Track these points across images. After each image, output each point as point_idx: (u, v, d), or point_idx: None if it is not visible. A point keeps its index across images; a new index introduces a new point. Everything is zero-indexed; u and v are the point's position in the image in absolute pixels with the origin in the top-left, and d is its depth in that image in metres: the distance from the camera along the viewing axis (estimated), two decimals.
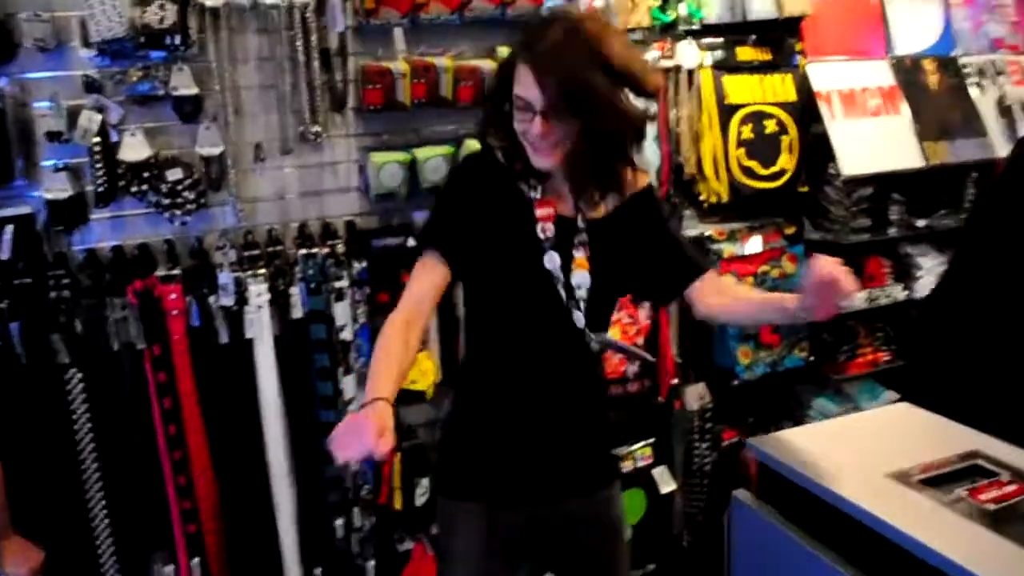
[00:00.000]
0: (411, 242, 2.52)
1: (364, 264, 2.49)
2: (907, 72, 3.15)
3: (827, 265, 1.35)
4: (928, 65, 3.19)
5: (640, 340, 2.88)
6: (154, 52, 2.20)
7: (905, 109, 3.08)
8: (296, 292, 2.42)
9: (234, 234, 2.42)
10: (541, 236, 1.56)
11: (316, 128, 2.44)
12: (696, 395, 3.01)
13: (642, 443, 2.97)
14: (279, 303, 2.41)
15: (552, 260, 1.57)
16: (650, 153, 2.80)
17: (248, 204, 2.44)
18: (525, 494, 1.66)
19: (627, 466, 2.91)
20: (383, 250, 2.52)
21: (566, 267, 1.58)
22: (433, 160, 2.49)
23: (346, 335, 2.47)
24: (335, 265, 2.46)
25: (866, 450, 1.55)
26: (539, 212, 1.57)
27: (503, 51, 2.54)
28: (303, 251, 2.44)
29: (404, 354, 1.49)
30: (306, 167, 2.52)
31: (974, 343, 2.03)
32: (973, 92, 3.23)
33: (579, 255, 1.60)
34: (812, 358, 3.11)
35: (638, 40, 2.78)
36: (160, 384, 2.31)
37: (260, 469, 2.42)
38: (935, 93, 3.16)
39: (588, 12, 1.52)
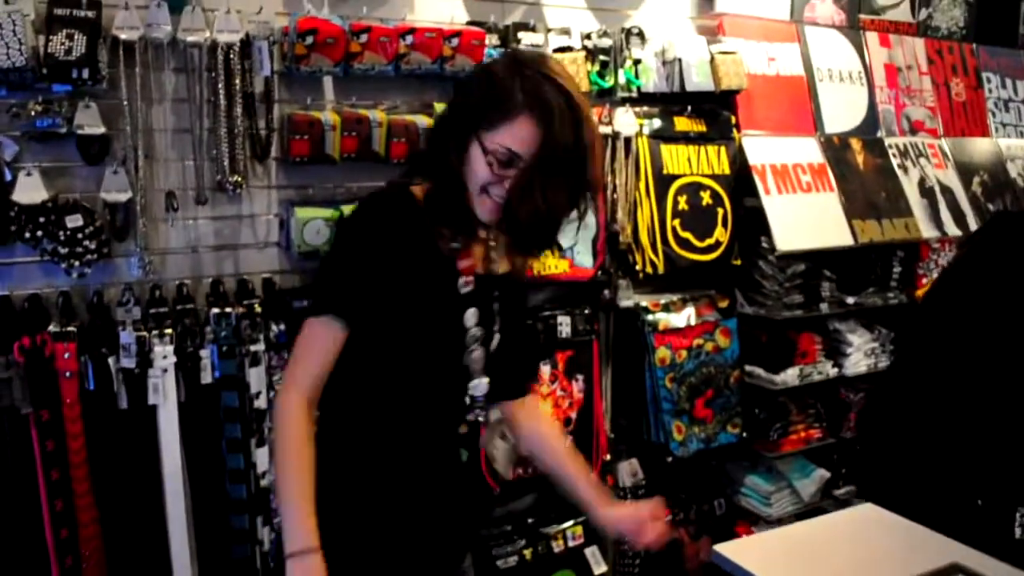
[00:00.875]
0: None
1: (283, 326, 2.30)
2: (836, 150, 3.19)
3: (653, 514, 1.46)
4: (855, 144, 3.25)
5: (573, 415, 2.76)
6: (58, 85, 2.00)
7: (835, 186, 3.11)
8: (206, 355, 2.20)
9: (139, 289, 2.20)
10: (463, 291, 1.44)
11: (236, 177, 2.26)
12: (629, 471, 2.89)
13: (572, 521, 2.82)
14: (187, 366, 2.18)
15: (472, 317, 1.45)
16: (585, 220, 2.71)
17: (156, 256, 2.23)
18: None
19: (557, 546, 2.75)
20: (304, 311, 2.33)
21: (485, 325, 1.47)
22: None
23: (261, 403, 2.26)
24: (251, 326, 2.25)
25: (841, 563, 1.43)
26: (461, 264, 1.44)
27: (440, 107, 2.44)
28: (216, 310, 2.23)
29: (312, 455, 1.33)
30: (223, 219, 2.33)
31: (925, 431, 1.98)
32: (898, 173, 3.29)
33: (497, 313, 1.50)
34: (745, 434, 3.04)
35: None
36: (47, 453, 2.04)
37: (160, 550, 2.15)
38: (862, 172, 3.21)
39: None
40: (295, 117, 2.26)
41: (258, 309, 2.27)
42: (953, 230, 3.32)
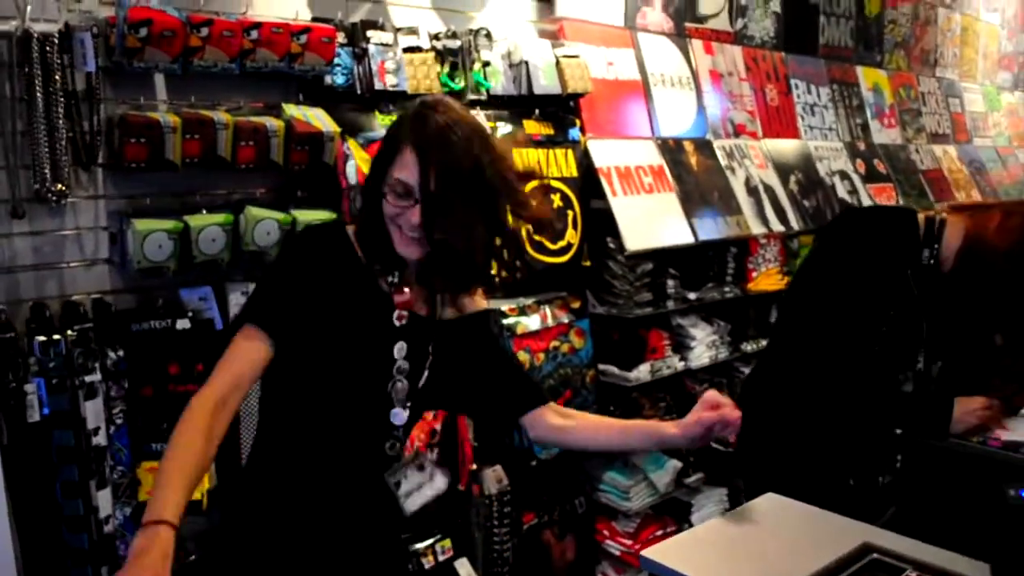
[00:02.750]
0: (181, 324, 2.13)
1: (121, 352, 2.06)
2: (671, 152, 3.32)
3: (718, 398, 1.50)
4: (688, 146, 3.39)
5: (437, 426, 2.67)
6: None
7: (673, 187, 3.23)
8: (32, 389, 1.93)
9: None
10: (396, 324, 1.46)
11: (58, 186, 2.00)
12: (494, 478, 2.84)
13: (439, 536, 2.74)
14: (9, 404, 1.90)
15: (401, 350, 1.47)
16: None
17: None
18: None
19: (428, 561, 2.66)
20: (145, 335, 2.11)
21: (413, 360, 1.48)
22: (210, 229, 2.14)
23: (100, 440, 2.01)
24: (84, 354, 2.00)
25: (763, 553, 1.46)
26: (397, 299, 1.47)
27: (289, 109, 2.29)
28: (41, 337, 1.96)
29: (205, 449, 1.29)
30: (43, 233, 2.06)
31: (795, 415, 2.07)
32: (727, 173, 3.47)
33: (430, 353, 1.51)
34: None
35: None
36: None
37: None
38: (696, 173, 3.36)
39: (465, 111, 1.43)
40: (129, 118, 2.03)
41: (91, 335, 2.03)
42: (777, 226, 3.55)
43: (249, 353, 1.37)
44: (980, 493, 1.77)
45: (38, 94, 1.95)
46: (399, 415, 1.48)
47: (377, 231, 1.42)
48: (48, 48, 1.95)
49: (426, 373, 1.50)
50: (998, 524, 1.31)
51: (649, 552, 1.39)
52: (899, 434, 2.11)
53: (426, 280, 1.47)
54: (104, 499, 2.02)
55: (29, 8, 1.92)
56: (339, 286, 1.42)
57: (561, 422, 1.61)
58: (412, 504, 1.52)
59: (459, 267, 1.41)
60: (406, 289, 1.46)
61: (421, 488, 1.52)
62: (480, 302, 1.62)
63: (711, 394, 1.53)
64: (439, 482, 1.57)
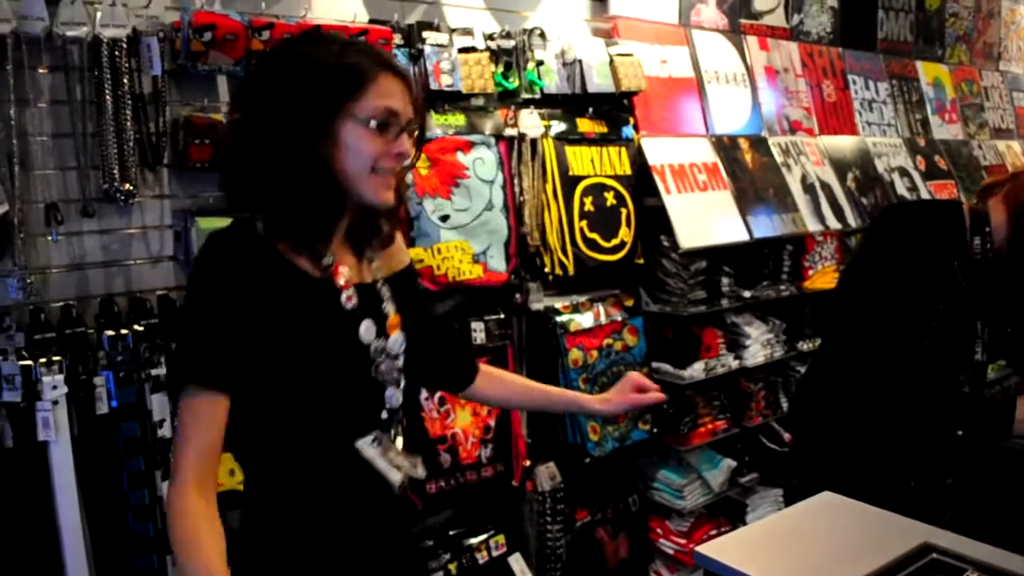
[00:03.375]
0: None
1: None
2: (726, 150, 3.29)
3: (644, 382, 1.63)
4: (743, 143, 3.36)
5: (492, 422, 2.69)
6: None
7: (728, 184, 3.20)
8: (101, 382, 2.00)
9: (19, 313, 1.97)
10: (348, 307, 1.30)
11: (127, 186, 2.07)
12: (548, 475, 2.85)
13: (492, 531, 2.76)
14: (80, 396, 1.97)
15: (369, 331, 1.31)
16: (497, 223, 2.67)
17: (37, 275, 2.01)
18: None
19: (482, 557, 2.68)
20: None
21: (380, 332, 1.34)
22: None
23: (165, 431, 2.07)
24: (150, 348, 2.07)
25: (819, 552, 1.44)
26: (339, 281, 1.30)
27: None
28: (109, 332, 2.03)
29: (213, 529, 1.18)
30: (112, 232, 2.13)
31: (853, 415, 2.04)
32: (782, 170, 3.43)
33: (390, 314, 1.37)
34: (655, 430, 3.07)
35: (480, 106, 2.68)
36: None
37: None
38: (751, 170, 3.32)
39: None
40: (194, 120, 2.09)
41: (157, 330, 2.09)
42: (834, 223, 3.49)
43: (208, 419, 1.19)
44: None
45: (107, 97, 2.02)
46: (394, 395, 1.35)
47: (320, 197, 1.22)
48: (117, 53, 2.02)
49: (399, 337, 1.36)
50: None
51: (703, 548, 1.37)
52: (960, 435, 2.06)
53: (361, 235, 1.34)
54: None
55: (99, 15, 1.98)
56: (272, 294, 1.21)
57: (490, 387, 1.65)
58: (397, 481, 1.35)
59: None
60: (342, 267, 1.30)
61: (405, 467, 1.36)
62: (406, 255, 1.49)
63: (637, 377, 1.63)
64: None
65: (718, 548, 1.40)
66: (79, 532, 1.95)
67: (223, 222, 2.11)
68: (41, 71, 1.99)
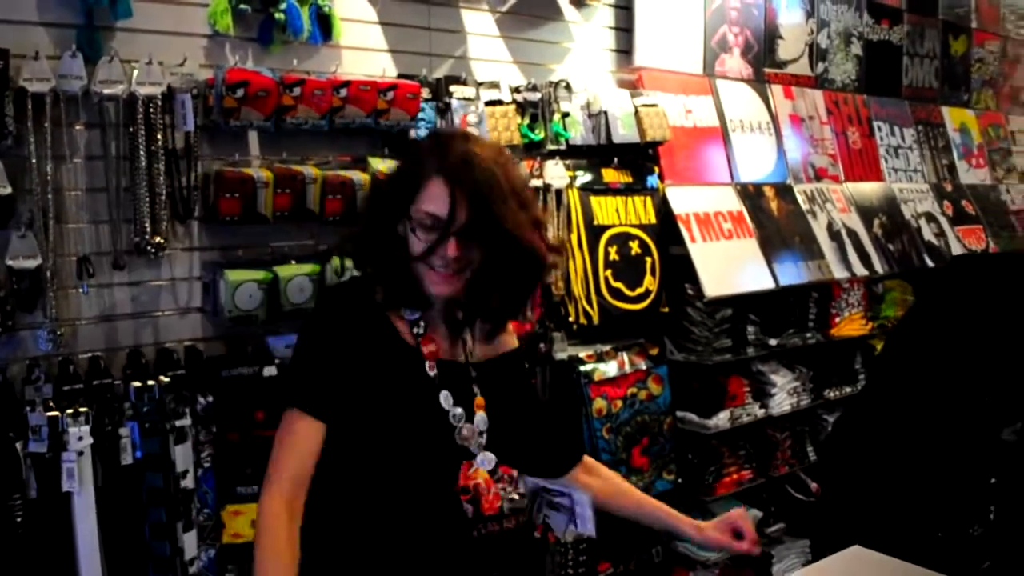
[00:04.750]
0: (268, 371, 2.19)
1: (210, 398, 2.13)
2: (751, 198, 3.28)
3: (744, 525, 1.59)
4: (768, 191, 3.35)
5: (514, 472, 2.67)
6: None
7: (753, 232, 3.19)
8: (126, 433, 2.01)
9: (47, 364, 1.99)
10: (431, 374, 1.42)
11: (157, 239, 2.10)
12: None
13: None
14: (104, 447, 1.98)
15: (447, 399, 1.41)
16: None
17: (67, 327, 2.04)
18: None
19: None
20: (234, 381, 2.17)
21: (465, 407, 1.43)
22: (297, 279, 2.21)
23: (188, 483, 2.08)
24: (175, 400, 2.08)
25: None
26: (426, 350, 1.43)
27: (375, 163, 2.35)
28: (136, 383, 2.05)
29: (294, 556, 1.29)
30: (141, 284, 2.16)
31: (887, 465, 2.01)
32: (808, 217, 3.42)
33: (476, 395, 1.46)
34: (680, 480, 3.04)
35: None
36: None
37: None
38: (777, 218, 3.32)
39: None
40: (225, 174, 2.12)
41: (183, 381, 2.10)
42: (860, 270, 3.46)
43: (302, 438, 1.34)
44: None
45: (141, 152, 2.06)
46: (486, 461, 1.42)
47: (401, 275, 1.37)
48: (152, 109, 2.06)
49: (484, 416, 1.43)
50: None
51: None
52: (993, 483, 2.02)
53: (454, 320, 1.44)
54: (190, 541, 2.08)
55: (136, 73, 2.03)
56: (368, 349, 1.37)
57: (586, 479, 1.62)
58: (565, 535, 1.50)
59: (498, 296, 1.40)
60: (433, 338, 1.43)
61: (573, 515, 1.49)
62: (513, 340, 1.58)
63: (740, 516, 1.60)
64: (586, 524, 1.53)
65: None
66: None
67: (253, 274, 2.16)
68: (78, 127, 2.03)
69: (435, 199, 1.32)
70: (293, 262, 2.24)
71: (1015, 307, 1.91)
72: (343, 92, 2.22)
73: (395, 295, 1.40)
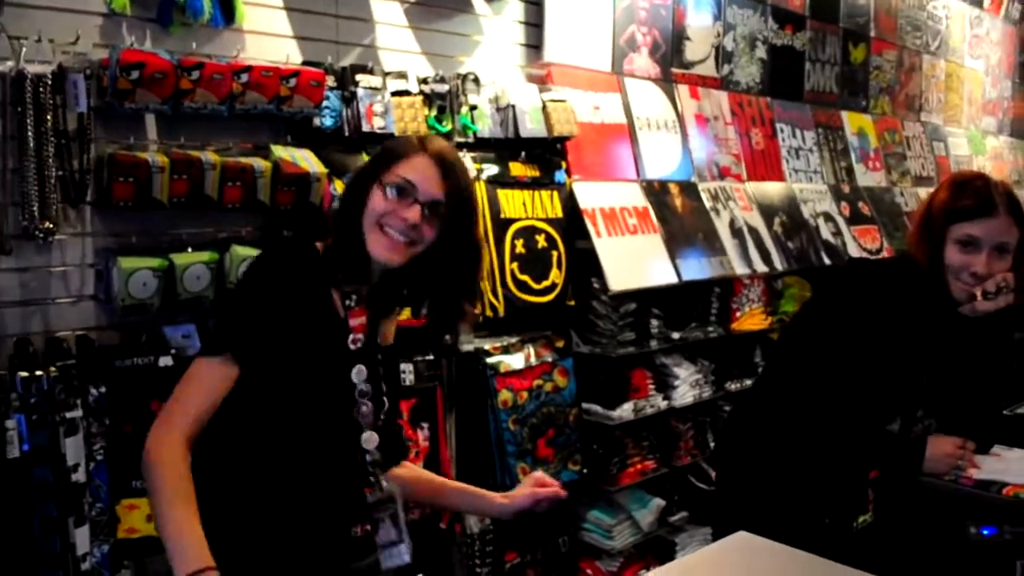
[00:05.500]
0: (164, 361, 2.15)
1: (103, 389, 2.07)
2: (656, 194, 3.36)
3: (545, 479, 1.66)
4: (673, 188, 3.44)
5: (419, 464, 2.68)
6: None
7: (658, 228, 3.27)
8: (13, 425, 1.93)
9: None
10: (352, 347, 1.50)
11: (47, 224, 2.03)
12: (477, 517, 2.84)
13: (420, 575, 2.73)
14: None
15: (359, 373, 1.51)
16: None
17: None
18: None
19: None
20: (128, 372, 2.12)
21: (373, 384, 1.53)
22: (195, 267, 2.17)
23: (79, 477, 2.01)
24: (66, 391, 2.01)
25: None
26: (353, 322, 1.51)
27: (277, 150, 2.33)
28: (23, 373, 1.98)
29: (192, 491, 1.33)
30: (30, 270, 2.08)
31: (773, 453, 2.09)
32: (711, 215, 3.52)
33: (381, 376, 1.57)
34: (585, 471, 3.09)
35: None
36: None
37: None
38: (681, 215, 3.40)
39: None
40: (119, 157, 2.07)
41: (74, 371, 2.04)
42: (761, 267, 3.59)
43: (214, 384, 1.39)
44: (948, 531, 1.80)
45: (29, 133, 1.98)
46: (370, 439, 1.51)
47: (352, 237, 1.45)
48: (41, 88, 1.99)
49: (385, 398, 1.55)
50: (962, 561, 1.32)
51: None
52: (872, 475, 2.12)
53: (383, 300, 1.52)
54: (82, 536, 2.02)
55: (24, 50, 1.96)
56: (303, 309, 1.45)
57: (396, 471, 1.68)
58: (387, 560, 1.54)
59: (439, 281, 1.49)
60: (359, 315, 1.51)
61: (390, 548, 1.54)
62: (393, 333, 1.66)
63: (539, 475, 1.69)
64: (404, 554, 1.58)
65: None
66: None
67: (147, 261, 2.11)
68: None
69: (415, 169, 1.44)
70: (190, 249, 2.20)
71: (902, 310, 2.01)
72: (244, 77, 2.19)
73: (339, 258, 1.47)
